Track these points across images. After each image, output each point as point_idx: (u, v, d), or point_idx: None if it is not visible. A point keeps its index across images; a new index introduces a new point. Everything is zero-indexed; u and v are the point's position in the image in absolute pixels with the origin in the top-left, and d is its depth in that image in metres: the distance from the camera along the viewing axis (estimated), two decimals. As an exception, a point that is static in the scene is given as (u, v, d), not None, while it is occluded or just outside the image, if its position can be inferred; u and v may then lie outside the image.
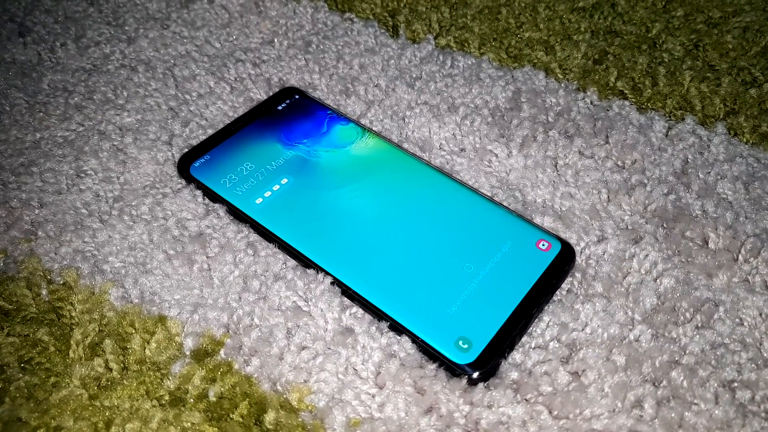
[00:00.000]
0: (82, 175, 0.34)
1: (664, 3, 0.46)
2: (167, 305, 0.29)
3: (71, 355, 0.27)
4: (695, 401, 0.26)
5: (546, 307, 0.29)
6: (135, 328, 0.28)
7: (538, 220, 0.32)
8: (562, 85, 0.39)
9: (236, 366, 0.27)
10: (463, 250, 0.30)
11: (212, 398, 0.26)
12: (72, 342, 0.27)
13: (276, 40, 0.42)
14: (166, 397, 0.26)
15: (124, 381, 0.26)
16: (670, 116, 0.38)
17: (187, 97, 0.38)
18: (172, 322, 0.28)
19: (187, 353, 0.27)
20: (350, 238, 0.31)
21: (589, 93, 0.39)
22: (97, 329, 0.28)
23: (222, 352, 0.27)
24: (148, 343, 0.27)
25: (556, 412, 0.25)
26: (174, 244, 0.31)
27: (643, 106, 0.39)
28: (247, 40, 0.43)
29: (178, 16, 0.44)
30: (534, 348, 0.27)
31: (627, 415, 0.25)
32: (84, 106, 0.38)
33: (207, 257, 0.30)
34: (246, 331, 0.28)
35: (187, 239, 0.31)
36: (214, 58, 0.41)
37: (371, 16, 0.45)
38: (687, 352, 0.27)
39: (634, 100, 0.39)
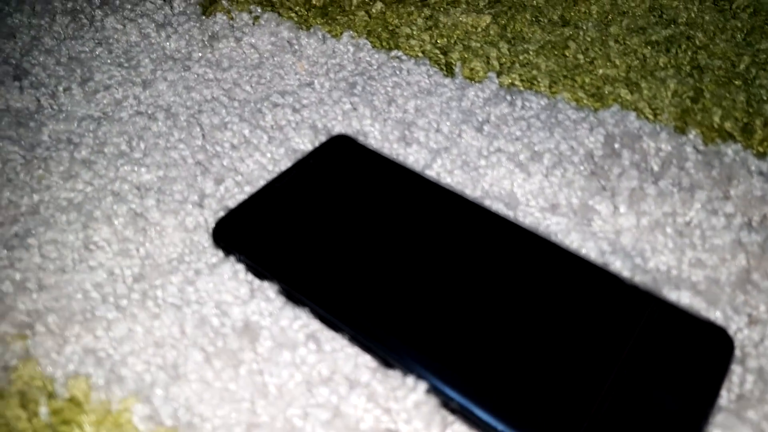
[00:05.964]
0: (93, 247, 0.27)
1: (743, 35, 0.41)
2: (210, 427, 0.21)
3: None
4: None
5: (712, 418, 0.22)
6: (168, 463, 0.21)
7: (673, 296, 0.25)
8: (658, 127, 0.33)
9: None
10: (586, 340, 0.23)
11: None
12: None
13: (316, 82, 0.36)
14: None
15: None
16: (790, 162, 0.32)
17: (218, 148, 0.32)
18: (218, 451, 0.21)
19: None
20: (446, 324, 0.24)
21: (691, 136, 0.33)
22: (115, 462, 0.21)
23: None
24: (187, 483, 0.20)
25: None
26: (214, 338, 0.24)
27: (758, 150, 0.33)
28: (282, 83, 0.37)
29: (201, 56, 0.38)
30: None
31: None
32: (93, 161, 0.31)
33: (256, 354, 0.23)
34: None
35: (230, 331, 0.24)
36: (245, 102, 0.35)
37: (420, 54, 0.39)
38: None
39: (745, 143, 0.33)
